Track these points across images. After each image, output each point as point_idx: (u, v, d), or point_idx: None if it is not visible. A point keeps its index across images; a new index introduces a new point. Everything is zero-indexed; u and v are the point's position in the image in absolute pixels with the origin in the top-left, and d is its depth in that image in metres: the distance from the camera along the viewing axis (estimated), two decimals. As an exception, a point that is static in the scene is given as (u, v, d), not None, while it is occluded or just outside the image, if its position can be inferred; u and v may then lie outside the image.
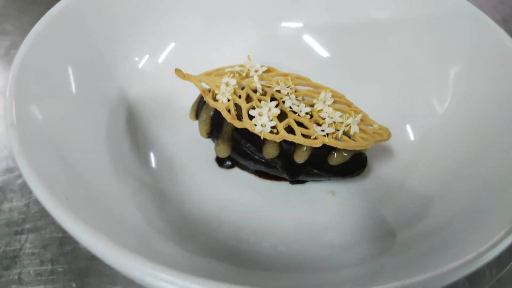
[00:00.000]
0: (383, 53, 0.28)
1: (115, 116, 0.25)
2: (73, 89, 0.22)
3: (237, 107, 0.23)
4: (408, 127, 0.26)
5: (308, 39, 0.29)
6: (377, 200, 0.24)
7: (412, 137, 0.26)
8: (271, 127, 0.22)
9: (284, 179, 0.25)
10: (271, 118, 0.22)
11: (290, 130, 0.22)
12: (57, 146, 0.19)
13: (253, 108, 0.23)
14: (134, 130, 0.25)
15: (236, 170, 0.26)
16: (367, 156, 0.24)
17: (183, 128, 0.26)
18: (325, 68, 0.28)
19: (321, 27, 0.29)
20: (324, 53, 0.29)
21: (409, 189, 0.24)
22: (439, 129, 0.25)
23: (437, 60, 0.26)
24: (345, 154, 0.23)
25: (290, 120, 0.22)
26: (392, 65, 0.28)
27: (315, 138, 0.22)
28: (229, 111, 0.23)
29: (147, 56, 0.26)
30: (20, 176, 0.25)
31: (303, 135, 0.22)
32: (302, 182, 0.25)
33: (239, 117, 0.22)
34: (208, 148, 0.26)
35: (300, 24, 0.29)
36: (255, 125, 0.22)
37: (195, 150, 0.26)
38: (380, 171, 0.25)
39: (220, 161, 0.26)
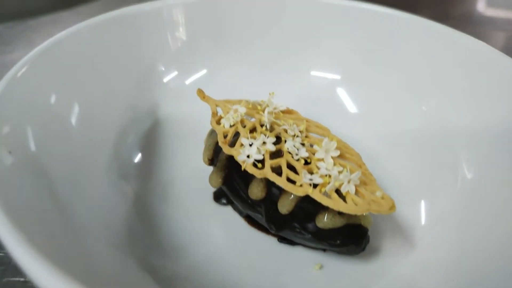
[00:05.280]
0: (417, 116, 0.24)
1: (132, 121, 0.25)
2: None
3: (237, 135, 0.21)
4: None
5: (341, 92, 0.26)
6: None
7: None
8: (257, 161, 0.19)
9: (273, 234, 0.22)
10: (262, 152, 0.20)
11: (280, 172, 0.19)
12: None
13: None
14: (135, 133, 0.25)
15: (229, 209, 0.23)
16: (369, 234, 0.20)
17: (188, 152, 0.25)
18: (353, 124, 0.25)
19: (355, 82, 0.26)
20: (353, 108, 0.26)
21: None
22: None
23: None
24: (336, 219, 0.19)
25: (281, 161, 0.19)
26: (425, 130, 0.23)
27: (301, 186, 0.19)
28: (226, 137, 0.21)
29: (175, 73, 0.26)
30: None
31: (289, 180, 0.19)
32: (292, 243, 0.21)
33: (233, 144, 0.21)
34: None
35: (337, 77, 0.26)
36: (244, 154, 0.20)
37: (196, 178, 0.24)
38: (387, 260, 0.20)
39: (216, 196, 0.24)
